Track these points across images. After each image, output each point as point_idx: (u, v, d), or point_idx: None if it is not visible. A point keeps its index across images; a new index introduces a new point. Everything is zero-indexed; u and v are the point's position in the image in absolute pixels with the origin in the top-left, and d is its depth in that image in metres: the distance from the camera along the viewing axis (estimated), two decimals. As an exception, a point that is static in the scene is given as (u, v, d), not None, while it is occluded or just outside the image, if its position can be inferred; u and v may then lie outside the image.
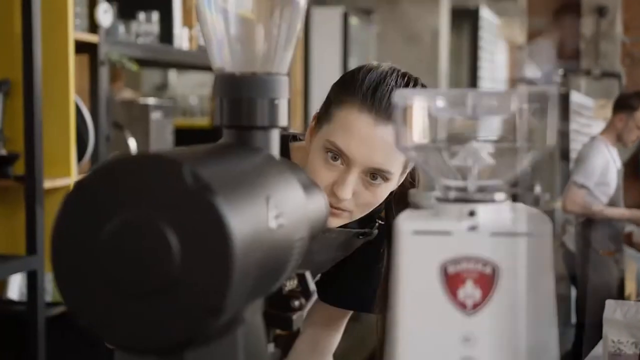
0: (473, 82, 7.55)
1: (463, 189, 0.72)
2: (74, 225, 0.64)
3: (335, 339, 1.54)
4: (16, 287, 2.67)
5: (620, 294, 4.26)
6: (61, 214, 0.64)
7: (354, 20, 5.48)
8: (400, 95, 0.72)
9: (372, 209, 1.28)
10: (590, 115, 8.07)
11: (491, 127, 0.75)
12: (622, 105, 4.35)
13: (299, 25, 0.86)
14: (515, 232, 0.68)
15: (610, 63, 9.45)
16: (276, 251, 0.72)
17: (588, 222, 4.34)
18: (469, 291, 0.68)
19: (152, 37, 3.04)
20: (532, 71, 5.69)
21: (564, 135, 7.31)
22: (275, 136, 0.84)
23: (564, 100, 7.06)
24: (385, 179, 1.23)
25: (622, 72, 9.66)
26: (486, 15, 7.57)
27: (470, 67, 7.55)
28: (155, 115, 3.04)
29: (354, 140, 1.21)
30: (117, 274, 0.62)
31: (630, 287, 4.48)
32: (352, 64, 6.10)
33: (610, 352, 1.95)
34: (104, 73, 2.70)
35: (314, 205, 0.86)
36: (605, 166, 4.24)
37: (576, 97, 7.35)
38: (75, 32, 2.56)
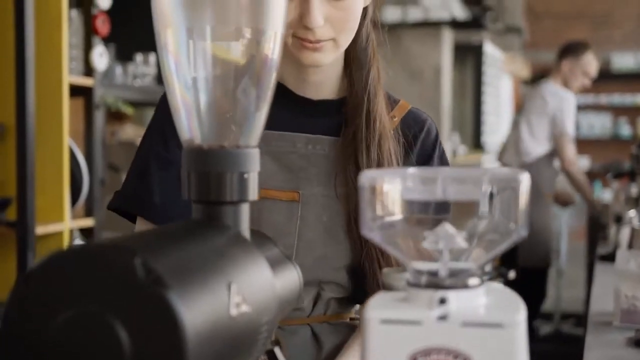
0: (477, 116, 7.54)
1: (434, 273, 0.69)
2: (23, 317, 0.62)
3: None
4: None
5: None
6: (10, 305, 0.62)
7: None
8: (367, 177, 0.69)
9: (354, 30, 1.18)
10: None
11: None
12: (568, 51, 4.49)
13: (269, 97, 0.83)
14: (487, 322, 0.65)
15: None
16: (239, 339, 0.69)
17: (537, 164, 4.38)
18: (438, 387, 0.65)
19: (149, 78, 3.03)
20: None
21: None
22: (245, 211, 0.82)
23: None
24: None
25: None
26: (490, 50, 7.57)
27: (475, 102, 7.54)
28: (153, 157, 3.01)
29: None
30: (63, 373, 0.59)
31: None
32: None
33: (623, 308, 1.78)
34: (99, 116, 2.69)
35: (285, 282, 0.83)
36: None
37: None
38: (71, 76, 2.55)
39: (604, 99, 10.09)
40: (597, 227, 4.64)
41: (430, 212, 0.71)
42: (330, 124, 1.24)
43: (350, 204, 1.19)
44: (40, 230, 2.41)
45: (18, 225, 2.34)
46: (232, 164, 0.80)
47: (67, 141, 2.51)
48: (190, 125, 0.81)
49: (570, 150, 4.29)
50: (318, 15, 1.12)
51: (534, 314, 4.51)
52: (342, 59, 1.25)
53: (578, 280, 5.73)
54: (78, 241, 2.79)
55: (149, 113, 3.54)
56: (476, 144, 7.43)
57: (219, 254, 0.71)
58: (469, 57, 7.31)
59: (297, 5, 1.13)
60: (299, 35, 1.15)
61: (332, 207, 1.20)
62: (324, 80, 1.26)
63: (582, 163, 10.16)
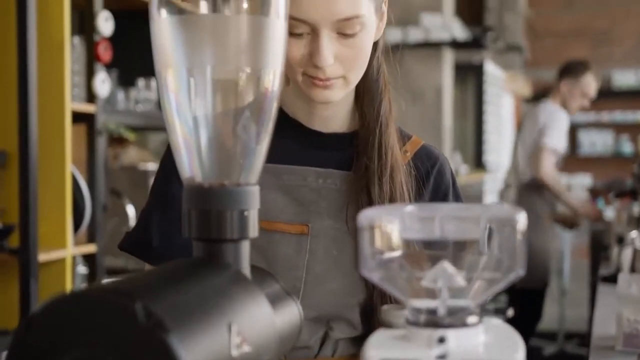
0: (478, 135, 7.55)
1: (433, 311, 0.69)
2: (24, 362, 0.62)
3: None
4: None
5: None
6: (12, 350, 0.62)
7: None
8: (366, 216, 0.70)
9: (364, 66, 1.17)
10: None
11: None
12: (568, 71, 4.48)
13: (269, 133, 0.84)
14: (486, 361, 0.65)
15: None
16: (239, 379, 0.69)
17: (532, 185, 4.37)
18: None
19: (151, 103, 3.04)
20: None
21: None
22: (245, 248, 0.82)
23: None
24: (360, 26, 1.12)
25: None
26: (491, 69, 7.59)
27: (476, 121, 7.56)
28: (155, 181, 3.02)
29: (304, 1, 1.10)
30: (63, 421, 0.60)
31: None
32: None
33: (625, 332, 1.78)
34: (101, 142, 2.70)
35: (285, 318, 0.84)
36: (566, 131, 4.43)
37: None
38: (73, 103, 2.57)
39: (605, 116, 10.10)
40: (599, 245, 4.64)
41: (429, 250, 0.71)
42: (341, 157, 1.23)
43: None
44: (42, 257, 2.41)
45: (21, 252, 2.35)
46: (232, 202, 0.80)
47: (70, 168, 2.52)
48: (190, 163, 0.82)
49: (547, 161, 4.30)
50: (328, 54, 1.11)
51: (530, 333, 4.50)
52: (352, 93, 1.24)
53: (582, 298, 5.71)
54: (81, 267, 2.79)
55: (151, 137, 3.56)
56: (478, 163, 7.44)
57: (219, 293, 0.72)
58: (470, 76, 7.33)
59: (307, 43, 1.13)
60: (308, 73, 1.15)
61: (343, 241, 1.19)
62: (334, 114, 1.25)
63: (584, 181, 10.17)
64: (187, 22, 0.79)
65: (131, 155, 3.60)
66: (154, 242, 1.20)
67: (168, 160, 1.23)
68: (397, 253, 0.71)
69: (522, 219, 0.68)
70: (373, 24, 1.16)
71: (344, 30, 1.12)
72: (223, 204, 0.80)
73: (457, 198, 1.27)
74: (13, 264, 2.41)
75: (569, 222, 4.84)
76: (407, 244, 0.71)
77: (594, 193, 10.11)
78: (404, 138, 1.28)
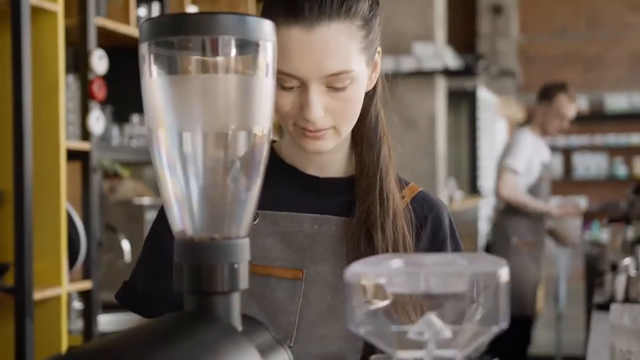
0: (472, 161, 7.58)
1: (420, 363, 0.71)
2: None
3: None
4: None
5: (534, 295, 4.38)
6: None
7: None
8: (352, 272, 0.71)
9: (355, 117, 1.17)
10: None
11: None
12: (543, 95, 4.51)
13: (258, 188, 0.86)
14: (471, 414, 0.67)
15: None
16: None
17: (506, 210, 4.38)
18: None
19: (145, 139, 3.07)
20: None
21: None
22: (236, 300, 0.84)
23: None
24: (350, 80, 1.13)
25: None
26: (484, 95, 7.65)
27: (470, 147, 7.59)
28: (150, 215, 3.04)
29: (293, 57, 1.11)
30: None
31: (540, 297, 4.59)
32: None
33: None
34: (96, 179, 2.72)
35: (276, 369, 0.85)
36: (530, 155, 4.35)
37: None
38: (68, 141, 2.59)
39: (599, 139, 10.16)
40: (594, 270, 4.64)
41: (416, 302, 0.73)
42: (337, 203, 1.24)
43: None
44: (38, 295, 2.42)
45: (16, 291, 2.35)
46: (222, 256, 0.82)
47: (65, 205, 2.54)
48: (182, 217, 0.84)
49: (505, 180, 4.33)
50: (317, 107, 1.12)
51: (522, 358, 4.50)
52: (349, 138, 1.24)
53: (579, 322, 5.71)
54: (76, 303, 2.80)
55: (146, 171, 3.58)
56: (472, 189, 7.47)
57: (209, 349, 0.73)
58: (463, 102, 7.37)
59: (297, 95, 1.14)
60: (299, 124, 1.15)
61: (337, 287, 1.19)
62: (330, 159, 1.25)
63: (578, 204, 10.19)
64: (177, 82, 0.81)
65: (127, 187, 3.62)
66: (144, 294, 1.22)
67: (163, 213, 1.25)
68: (383, 306, 0.73)
69: (504, 273, 0.70)
70: (364, 76, 1.16)
71: (334, 84, 1.13)
72: (213, 257, 0.82)
73: (456, 246, 1.28)
74: (8, 302, 2.42)
75: (559, 237, 4.85)
76: (394, 297, 0.73)
77: (588, 217, 10.15)
78: (402, 184, 1.28)
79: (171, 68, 0.81)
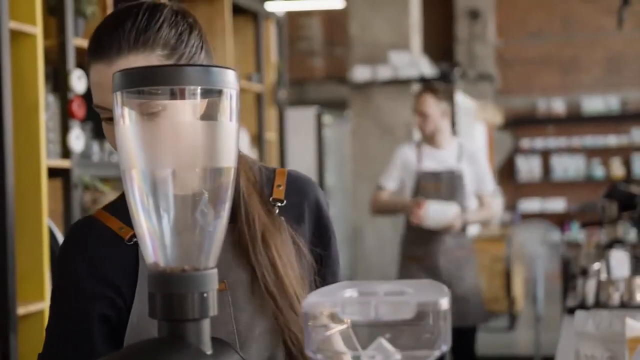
0: (452, 165, 7.66)
1: (372, 385, 0.78)
2: None
3: None
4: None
5: None
6: None
7: (327, 119, 5.60)
8: (309, 303, 0.79)
9: None
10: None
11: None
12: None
13: (224, 222, 0.93)
14: None
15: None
16: None
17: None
18: None
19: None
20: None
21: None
22: (206, 326, 0.91)
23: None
24: (162, 107, 1.09)
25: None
26: (461, 100, 7.74)
27: (449, 151, 7.67)
28: (131, 229, 3.09)
29: (99, 90, 1.18)
30: None
31: None
32: (328, 161, 6.23)
33: None
34: (76, 196, 2.78)
35: (244, 390, 0.92)
36: (402, 166, 4.18)
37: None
38: (49, 159, 2.64)
39: (576, 141, 10.30)
40: (570, 271, 4.72)
41: (367, 328, 0.80)
42: None
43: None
44: (21, 310, 2.48)
45: (0, 307, 2.41)
46: (193, 286, 0.89)
47: (46, 221, 2.59)
48: (154, 250, 0.91)
49: (374, 196, 4.20)
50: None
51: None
52: None
53: (558, 322, 5.81)
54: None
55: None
56: (452, 193, 7.54)
57: (180, 374, 0.80)
58: (440, 108, 7.45)
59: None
60: None
61: (256, 285, 1.25)
62: None
63: (557, 205, 10.33)
64: (147, 127, 0.89)
65: (109, 199, 3.67)
66: None
67: (66, 268, 1.26)
68: (337, 332, 0.80)
69: (445, 302, 0.77)
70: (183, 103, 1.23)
71: (147, 112, 1.13)
72: (184, 287, 0.89)
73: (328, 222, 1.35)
74: (-8, 318, 2.47)
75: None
76: (348, 324, 0.80)
77: (567, 217, 10.29)
78: (271, 174, 1.33)
79: (141, 115, 0.88)
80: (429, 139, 4.16)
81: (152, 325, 1.22)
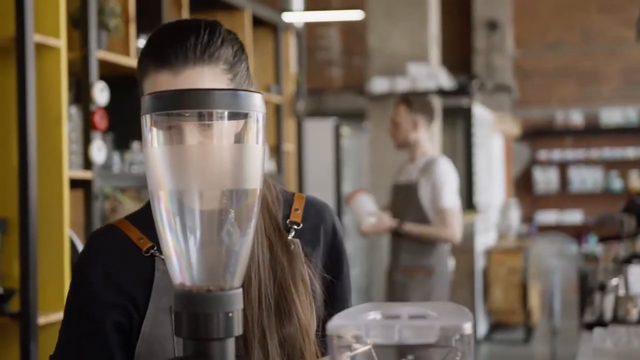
0: (469, 177, 7.66)
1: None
2: None
3: None
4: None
5: None
6: None
7: (345, 130, 5.61)
8: (333, 326, 0.80)
9: None
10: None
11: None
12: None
13: (249, 243, 0.94)
14: None
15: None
16: None
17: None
18: None
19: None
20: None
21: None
22: (230, 345, 0.92)
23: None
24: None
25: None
26: (479, 112, 7.74)
27: (466, 163, 7.67)
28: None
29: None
30: None
31: None
32: (346, 172, 6.24)
33: None
34: (97, 207, 2.80)
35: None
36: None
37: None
38: (71, 170, 2.67)
39: (594, 153, 10.25)
40: (587, 284, 4.69)
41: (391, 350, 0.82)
42: None
43: None
44: (42, 320, 2.50)
45: (21, 316, 2.44)
46: (218, 306, 0.91)
47: (68, 232, 2.62)
48: (181, 271, 0.93)
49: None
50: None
51: None
52: None
53: (575, 335, 5.79)
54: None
55: (144, 194, 3.66)
56: (469, 205, 7.54)
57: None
58: (458, 119, 7.46)
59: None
60: None
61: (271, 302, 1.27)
62: None
63: (575, 217, 10.28)
64: (176, 150, 0.90)
65: (127, 209, 3.70)
66: None
67: (84, 275, 1.27)
68: (362, 355, 0.82)
69: (468, 327, 0.78)
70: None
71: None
72: (210, 307, 0.90)
73: (341, 247, 1.37)
74: (14, 327, 2.49)
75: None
76: (371, 346, 0.81)
77: (584, 229, 10.24)
78: (289, 197, 1.35)
79: (170, 138, 0.89)
80: (407, 151, 4.19)
81: (163, 336, 1.25)
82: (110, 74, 3.03)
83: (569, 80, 10.38)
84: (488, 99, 8.80)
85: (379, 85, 5.46)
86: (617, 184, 10.23)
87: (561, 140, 10.37)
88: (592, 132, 10.26)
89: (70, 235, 2.66)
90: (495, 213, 8.68)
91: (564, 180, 10.45)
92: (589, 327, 3.18)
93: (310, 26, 8.92)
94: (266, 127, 0.92)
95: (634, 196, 5.39)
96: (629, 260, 3.76)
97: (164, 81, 1.20)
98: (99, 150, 2.78)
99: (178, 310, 0.91)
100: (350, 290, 1.40)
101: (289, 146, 4.68)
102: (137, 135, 3.13)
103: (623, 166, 10.21)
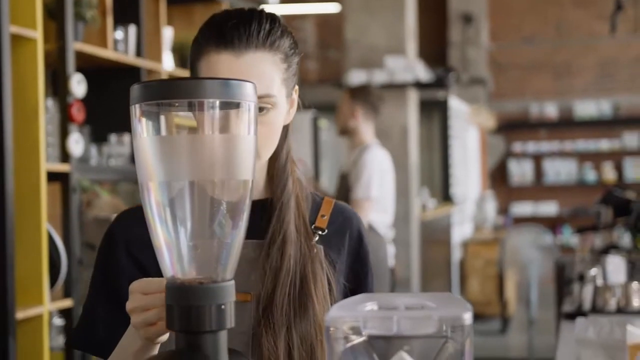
0: (445, 169, 7.68)
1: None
2: None
3: None
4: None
5: None
6: None
7: (322, 123, 5.59)
8: (331, 317, 0.79)
9: (275, 143, 1.24)
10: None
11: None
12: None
13: (241, 235, 0.93)
14: None
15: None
16: None
17: None
18: None
19: (123, 158, 3.12)
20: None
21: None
22: (223, 338, 0.91)
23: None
24: (271, 105, 1.21)
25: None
26: (455, 104, 7.76)
27: (442, 155, 7.70)
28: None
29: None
30: None
31: None
32: (324, 164, 6.23)
33: None
34: (75, 200, 2.77)
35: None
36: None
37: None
38: (48, 163, 2.64)
39: (569, 145, 10.33)
40: (563, 275, 4.72)
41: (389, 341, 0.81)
42: (256, 226, 1.24)
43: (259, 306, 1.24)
44: (20, 314, 2.47)
45: (-1, 312, 2.40)
46: (210, 298, 0.89)
47: (45, 226, 2.59)
48: (172, 264, 0.91)
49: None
50: None
51: None
52: (266, 165, 1.30)
53: (551, 325, 5.83)
54: (57, 320, 2.85)
55: (123, 188, 3.63)
56: (445, 197, 7.57)
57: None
58: (434, 112, 7.48)
59: None
60: None
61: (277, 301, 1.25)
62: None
63: (549, 209, 10.37)
64: (165, 140, 0.89)
65: (104, 202, 3.66)
66: (102, 337, 1.23)
67: (106, 249, 1.27)
68: (359, 345, 0.81)
69: (468, 317, 0.78)
70: (284, 107, 1.25)
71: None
72: (202, 300, 0.89)
73: (367, 257, 1.37)
74: (-9, 323, 2.46)
75: None
76: (369, 337, 0.80)
77: (559, 221, 10.32)
78: (318, 202, 1.35)
79: (160, 128, 0.88)
80: (349, 140, 4.19)
81: None
82: (88, 65, 2.99)
83: (544, 74, 10.43)
84: (463, 92, 8.82)
85: (356, 77, 5.45)
86: (590, 175, 10.31)
87: (536, 132, 10.43)
88: (567, 125, 10.33)
89: (48, 229, 2.63)
90: (471, 205, 8.73)
91: (538, 172, 10.51)
92: (568, 317, 3.19)
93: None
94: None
95: (611, 188, 5.43)
96: (606, 250, 3.79)
97: (224, 62, 1.19)
98: (76, 143, 2.75)
99: (170, 303, 0.90)
100: None
101: (267, 139, 4.64)
102: (115, 127, 3.10)
103: (597, 158, 10.29)
